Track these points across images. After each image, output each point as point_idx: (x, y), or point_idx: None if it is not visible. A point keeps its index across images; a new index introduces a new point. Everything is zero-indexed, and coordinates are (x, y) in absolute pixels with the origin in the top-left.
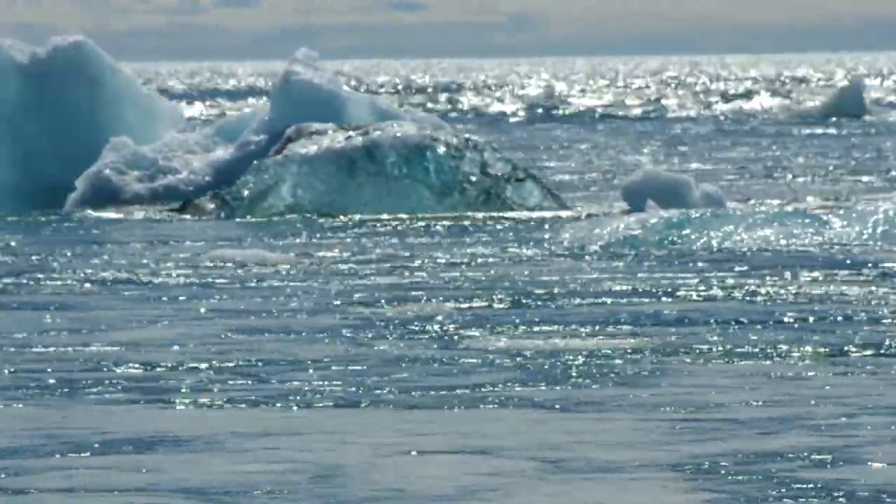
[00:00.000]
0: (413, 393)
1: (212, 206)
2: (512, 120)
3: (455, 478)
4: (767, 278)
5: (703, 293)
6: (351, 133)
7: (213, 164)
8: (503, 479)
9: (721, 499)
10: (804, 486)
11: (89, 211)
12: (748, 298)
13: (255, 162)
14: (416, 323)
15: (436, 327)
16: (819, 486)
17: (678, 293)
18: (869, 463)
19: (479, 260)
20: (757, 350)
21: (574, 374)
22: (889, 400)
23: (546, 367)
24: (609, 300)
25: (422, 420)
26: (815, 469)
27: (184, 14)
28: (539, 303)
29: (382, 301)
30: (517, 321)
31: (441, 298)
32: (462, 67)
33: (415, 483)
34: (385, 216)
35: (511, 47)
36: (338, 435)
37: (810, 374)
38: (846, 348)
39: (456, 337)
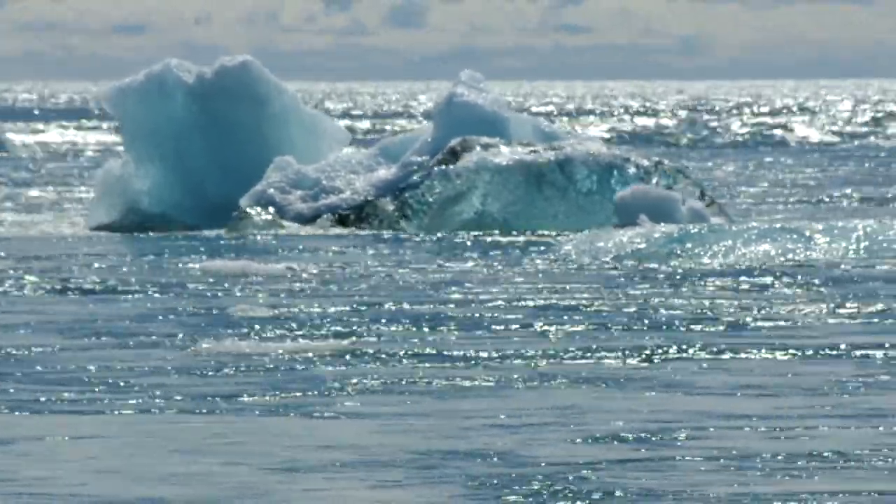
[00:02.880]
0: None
1: (391, 208)
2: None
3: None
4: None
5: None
6: (535, 147)
7: (375, 183)
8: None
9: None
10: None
11: (264, 216)
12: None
13: (437, 168)
14: (212, 330)
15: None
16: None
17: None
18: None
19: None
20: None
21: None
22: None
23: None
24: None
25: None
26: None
27: (351, 35)
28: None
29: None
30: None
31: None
32: (634, 89)
33: (150, 486)
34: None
35: (679, 70)
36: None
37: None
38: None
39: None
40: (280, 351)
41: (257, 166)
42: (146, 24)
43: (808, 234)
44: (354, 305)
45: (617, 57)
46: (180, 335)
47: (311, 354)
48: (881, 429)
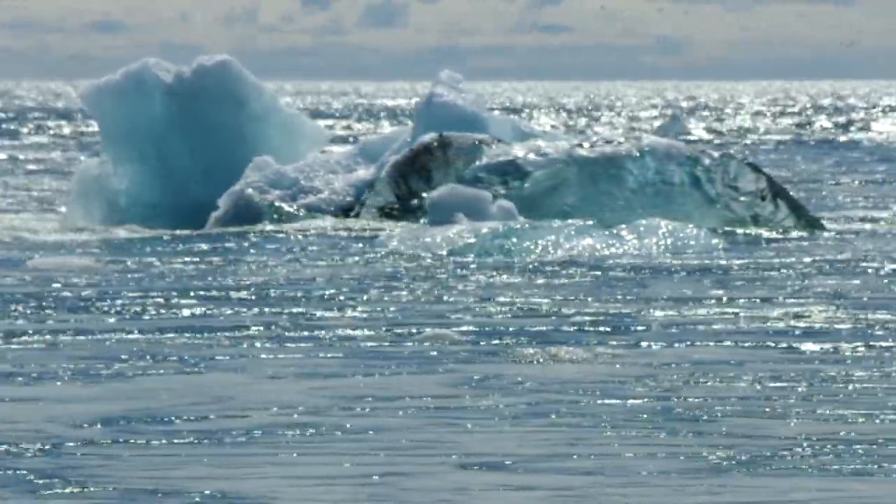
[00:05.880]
0: None
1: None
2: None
3: None
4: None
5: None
6: (585, 141)
7: (354, 184)
8: None
9: None
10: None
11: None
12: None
13: (501, 158)
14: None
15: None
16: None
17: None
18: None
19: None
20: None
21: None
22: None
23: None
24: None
25: None
26: None
27: (329, 34)
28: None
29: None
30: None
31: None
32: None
33: None
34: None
35: (657, 70)
36: None
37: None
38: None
39: None
40: None
41: (236, 166)
42: (124, 22)
43: (616, 231)
44: (73, 292)
45: (597, 57)
46: None
47: None
48: (411, 409)
